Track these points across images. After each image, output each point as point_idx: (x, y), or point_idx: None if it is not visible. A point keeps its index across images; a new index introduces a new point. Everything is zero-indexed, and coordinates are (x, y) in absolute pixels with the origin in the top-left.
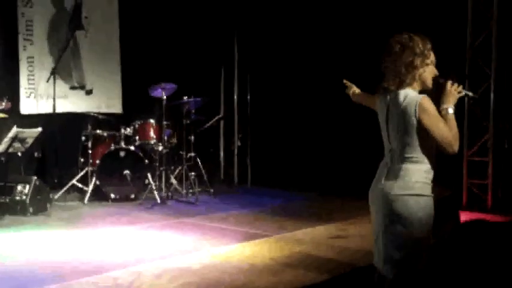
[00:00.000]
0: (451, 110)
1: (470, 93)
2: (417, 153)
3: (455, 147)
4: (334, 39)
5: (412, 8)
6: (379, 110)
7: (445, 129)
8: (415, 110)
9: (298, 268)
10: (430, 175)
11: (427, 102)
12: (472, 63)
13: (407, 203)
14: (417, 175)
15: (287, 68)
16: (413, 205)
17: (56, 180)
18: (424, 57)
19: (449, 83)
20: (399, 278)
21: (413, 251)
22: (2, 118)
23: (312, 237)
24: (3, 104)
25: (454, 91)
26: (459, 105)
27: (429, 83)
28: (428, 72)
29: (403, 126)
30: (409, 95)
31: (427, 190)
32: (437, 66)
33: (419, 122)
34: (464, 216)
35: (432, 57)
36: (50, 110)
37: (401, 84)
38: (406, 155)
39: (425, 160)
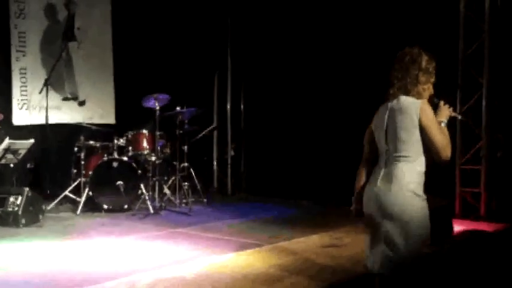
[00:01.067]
0: (443, 124)
1: (459, 116)
2: (412, 153)
3: (449, 152)
4: (328, 48)
5: (405, 18)
6: (377, 116)
7: (441, 134)
8: (417, 111)
9: (292, 277)
10: (423, 178)
11: (427, 105)
12: (465, 73)
13: (403, 202)
14: (411, 175)
15: (280, 77)
16: (409, 205)
17: (48, 191)
18: (428, 75)
19: (442, 102)
20: (399, 278)
21: (411, 250)
22: None
23: (306, 246)
24: None
25: (446, 109)
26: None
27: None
28: (428, 90)
29: (404, 126)
30: (410, 99)
31: (421, 191)
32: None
33: (419, 121)
34: (457, 225)
35: (434, 77)
36: (42, 121)
37: (403, 92)
38: (402, 154)
39: (419, 161)
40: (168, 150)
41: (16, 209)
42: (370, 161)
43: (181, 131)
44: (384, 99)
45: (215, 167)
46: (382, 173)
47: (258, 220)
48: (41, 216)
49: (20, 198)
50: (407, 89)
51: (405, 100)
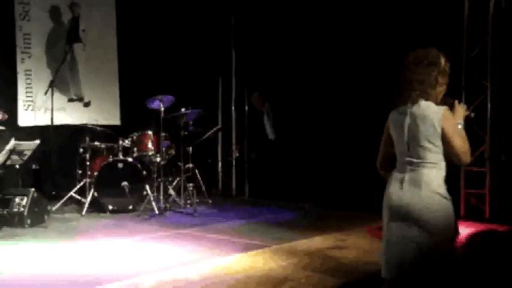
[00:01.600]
0: (460, 126)
1: (472, 114)
2: (436, 159)
3: (468, 157)
4: (331, 50)
5: (409, 20)
6: (394, 122)
7: (461, 140)
8: (439, 119)
9: (296, 279)
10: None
11: (449, 112)
12: (468, 75)
13: (434, 207)
14: (438, 179)
15: (284, 79)
16: (438, 209)
17: (53, 192)
18: (446, 76)
19: (456, 101)
20: (421, 282)
21: (439, 255)
22: (0, 130)
23: (309, 248)
24: (0, 115)
25: (461, 109)
26: None
27: (439, 101)
28: (444, 91)
29: (428, 134)
30: (432, 105)
31: (447, 193)
32: None
33: (442, 129)
34: (462, 227)
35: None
36: (47, 123)
37: (423, 97)
38: (426, 161)
39: (442, 165)
40: (172, 152)
41: (21, 209)
42: (384, 167)
43: (185, 133)
44: (394, 101)
45: (219, 168)
46: (406, 178)
47: (262, 222)
48: (46, 217)
49: (25, 199)
50: (427, 92)
51: (427, 107)
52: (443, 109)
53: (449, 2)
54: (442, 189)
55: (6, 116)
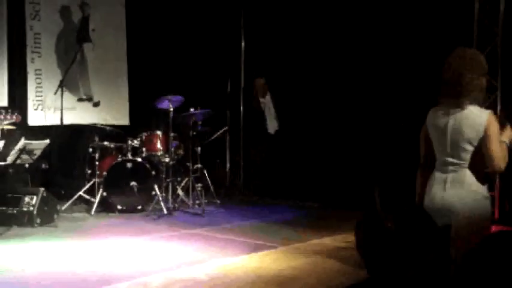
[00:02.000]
0: (504, 145)
1: None
2: (478, 161)
3: (502, 164)
4: (339, 50)
5: (418, 20)
6: (435, 122)
7: (500, 147)
8: (484, 122)
9: (305, 279)
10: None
11: (494, 117)
12: None
13: (478, 206)
14: (480, 180)
15: (292, 79)
16: (482, 209)
17: (63, 192)
18: (486, 79)
19: (509, 125)
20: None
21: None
22: (10, 130)
23: (318, 248)
24: (14, 117)
25: (510, 131)
26: None
27: (481, 105)
28: (484, 95)
29: (472, 138)
30: (478, 108)
31: (488, 193)
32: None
33: (485, 132)
34: None
35: None
36: (57, 122)
37: (470, 100)
38: (469, 162)
39: (483, 167)
40: (181, 152)
41: (31, 208)
42: (428, 165)
43: (194, 133)
44: (437, 100)
45: (228, 168)
46: (449, 179)
47: (271, 222)
48: (55, 216)
49: (35, 198)
50: (475, 96)
51: (474, 111)
52: (488, 113)
53: (459, 2)
54: (483, 189)
55: (20, 118)
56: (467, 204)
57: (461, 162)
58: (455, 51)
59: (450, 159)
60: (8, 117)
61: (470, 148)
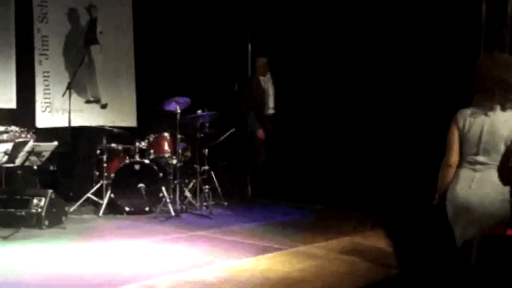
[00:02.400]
0: None
1: None
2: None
3: None
4: (346, 53)
5: (426, 22)
6: (469, 121)
7: None
8: None
9: (313, 282)
10: None
11: None
12: None
13: (499, 207)
14: None
15: (298, 80)
16: (504, 210)
17: (71, 194)
18: None
19: None
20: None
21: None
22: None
23: (325, 250)
24: (29, 136)
25: None
26: None
27: None
28: None
29: (505, 140)
30: None
31: (509, 195)
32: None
33: None
34: None
35: None
36: (65, 124)
37: (509, 102)
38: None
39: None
40: (188, 154)
41: (39, 210)
42: (453, 163)
43: (201, 135)
44: (472, 99)
45: (234, 170)
46: (477, 178)
47: (278, 224)
48: (63, 218)
49: (43, 200)
50: (510, 99)
51: (510, 115)
52: None
53: (467, 4)
54: (507, 189)
55: (35, 137)
56: (492, 203)
57: (492, 162)
58: (489, 54)
59: (480, 159)
60: (23, 135)
61: (503, 149)
